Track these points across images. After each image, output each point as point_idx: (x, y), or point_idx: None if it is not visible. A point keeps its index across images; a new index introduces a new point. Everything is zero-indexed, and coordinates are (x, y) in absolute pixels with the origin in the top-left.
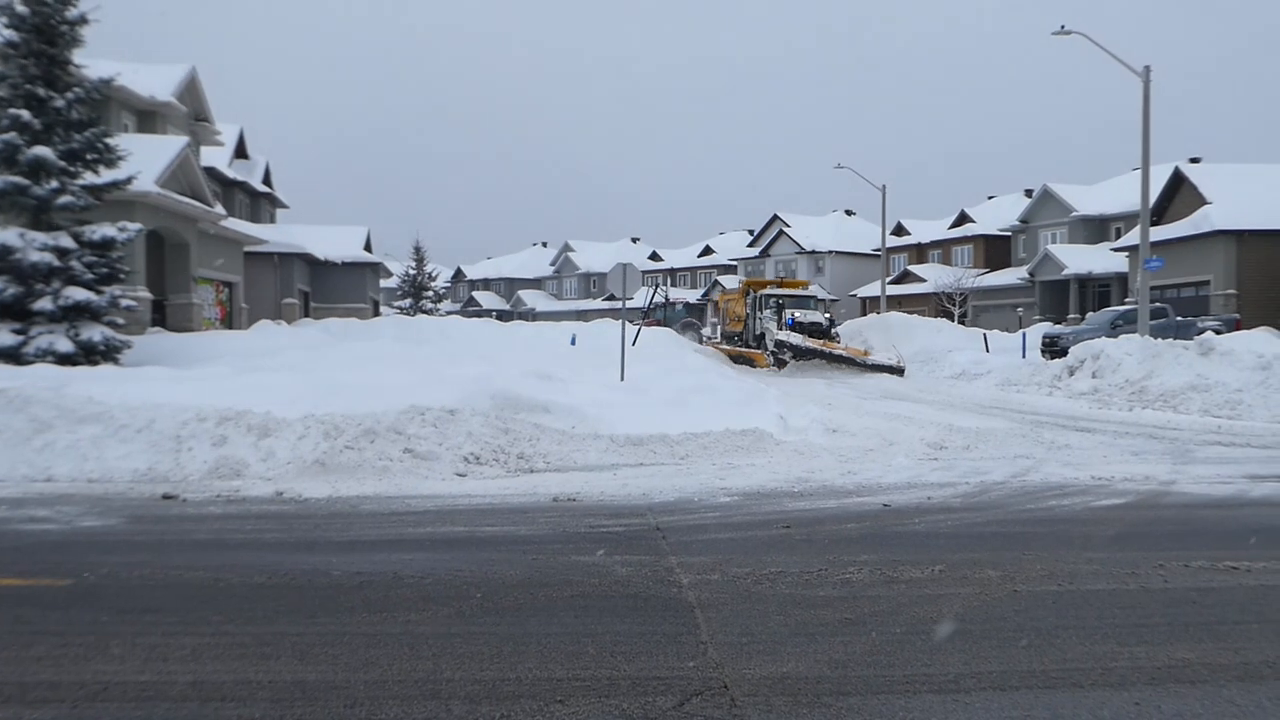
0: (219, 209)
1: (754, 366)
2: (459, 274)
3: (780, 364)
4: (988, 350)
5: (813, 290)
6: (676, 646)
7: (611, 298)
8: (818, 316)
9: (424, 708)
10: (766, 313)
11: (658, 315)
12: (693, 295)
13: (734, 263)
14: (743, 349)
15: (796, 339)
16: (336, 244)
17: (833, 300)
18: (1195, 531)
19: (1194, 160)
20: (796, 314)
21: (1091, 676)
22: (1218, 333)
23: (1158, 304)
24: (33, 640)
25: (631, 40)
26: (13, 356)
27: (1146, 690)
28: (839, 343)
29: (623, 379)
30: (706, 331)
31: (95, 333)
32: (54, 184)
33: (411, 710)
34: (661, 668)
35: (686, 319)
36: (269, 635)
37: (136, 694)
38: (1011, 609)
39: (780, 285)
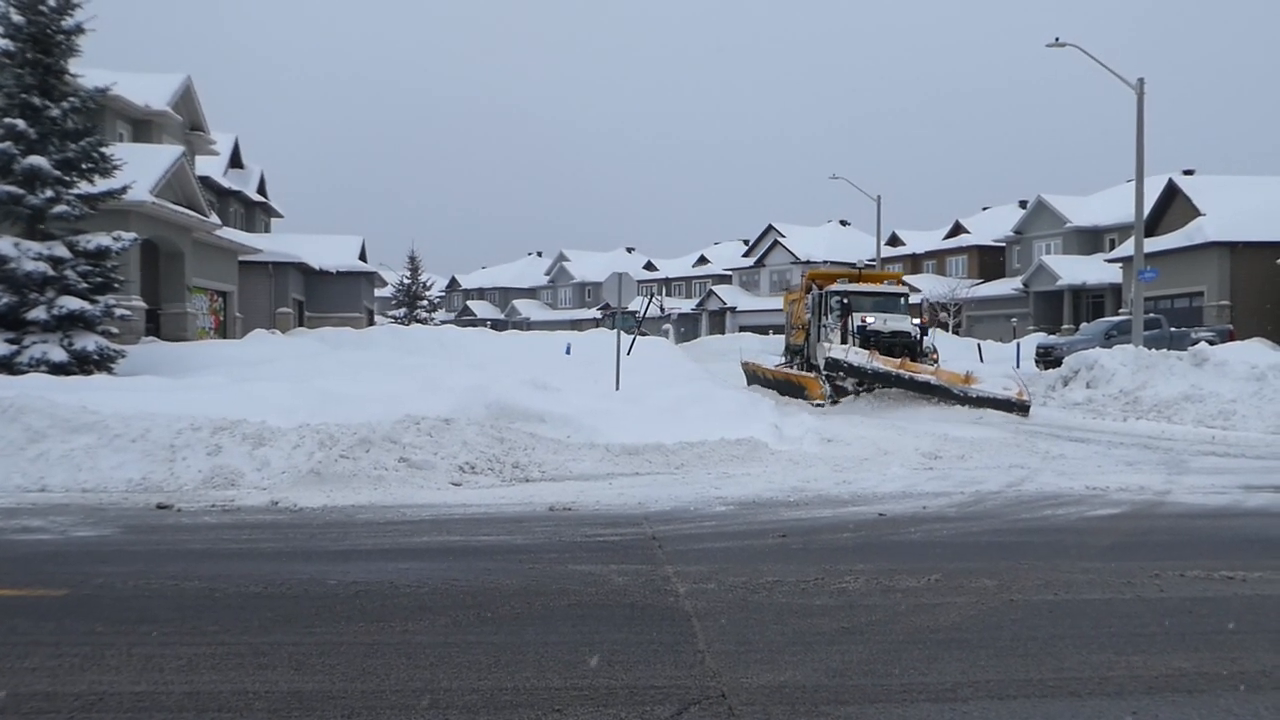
0: (214, 218)
1: (805, 397)
2: (454, 283)
3: (839, 393)
4: (982, 360)
5: (904, 287)
6: (674, 656)
7: (606, 307)
8: (903, 323)
9: (421, 717)
10: (830, 318)
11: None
12: (687, 305)
13: (729, 272)
14: (792, 371)
15: (858, 357)
16: (331, 253)
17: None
18: (1190, 541)
19: (1188, 172)
20: (869, 319)
21: (1089, 686)
22: (1211, 343)
23: (1152, 315)
24: (28, 651)
25: (626, 49)
26: (6, 366)
27: (1144, 699)
28: (932, 362)
29: (618, 388)
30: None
31: (89, 342)
32: (49, 193)
33: None
34: (659, 677)
35: (639, 330)
36: (265, 645)
37: (132, 704)
38: (1008, 618)
39: (857, 278)
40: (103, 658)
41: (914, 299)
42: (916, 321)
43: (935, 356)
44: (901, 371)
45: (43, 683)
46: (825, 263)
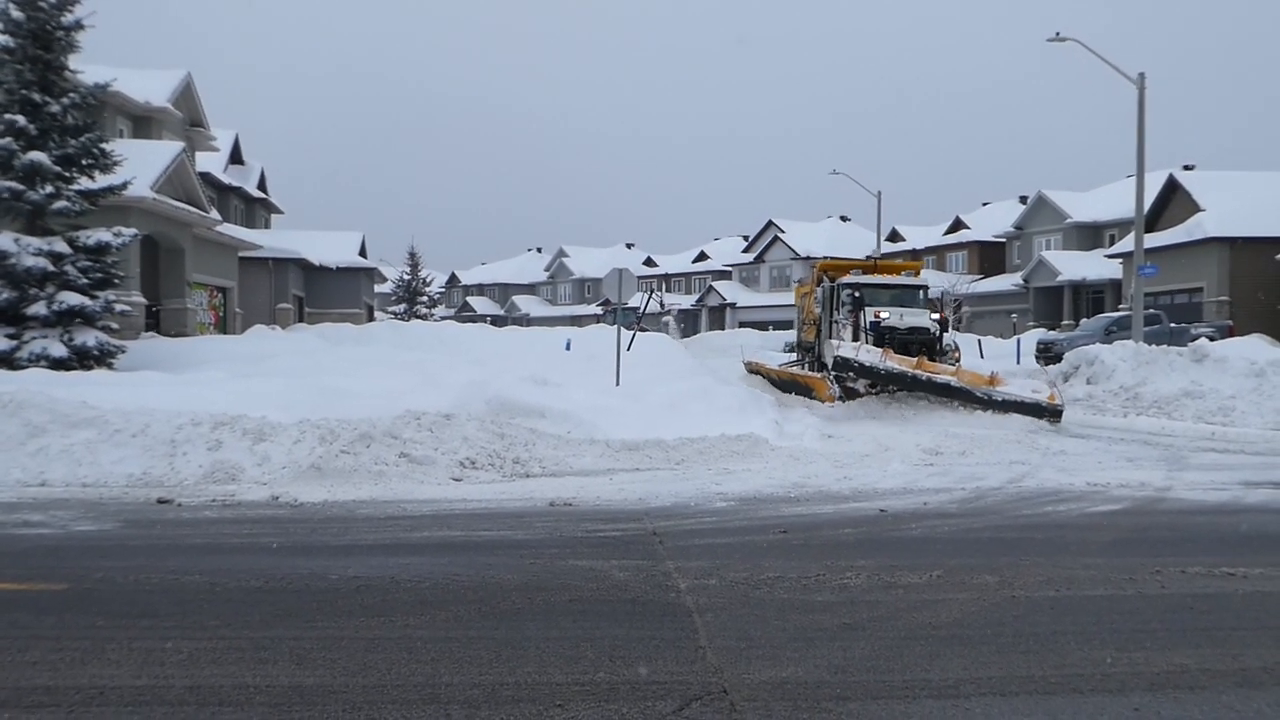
0: (214, 214)
1: (814, 398)
2: (453, 279)
3: (849, 395)
4: (982, 356)
5: (924, 278)
6: (675, 651)
7: (606, 303)
8: (921, 318)
9: (422, 712)
10: (841, 313)
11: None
12: (687, 301)
13: (729, 268)
14: (798, 371)
15: (869, 355)
16: (331, 249)
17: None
18: (1191, 537)
19: (1188, 167)
20: (883, 314)
21: (1090, 682)
22: (1211, 339)
23: (1152, 310)
24: (28, 645)
25: (625, 44)
26: (6, 361)
27: (1145, 696)
28: (953, 361)
29: (618, 384)
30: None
31: (89, 337)
32: (49, 189)
33: (410, 714)
34: (660, 672)
35: (639, 325)
36: (266, 640)
37: (133, 699)
38: (1010, 614)
39: (873, 269)
40: (103, 652)
41: (933, 292)
42: (935, 316)
43: (957, 355)
44: (918, 372)
45: (43, 677)
46: (824, 259)
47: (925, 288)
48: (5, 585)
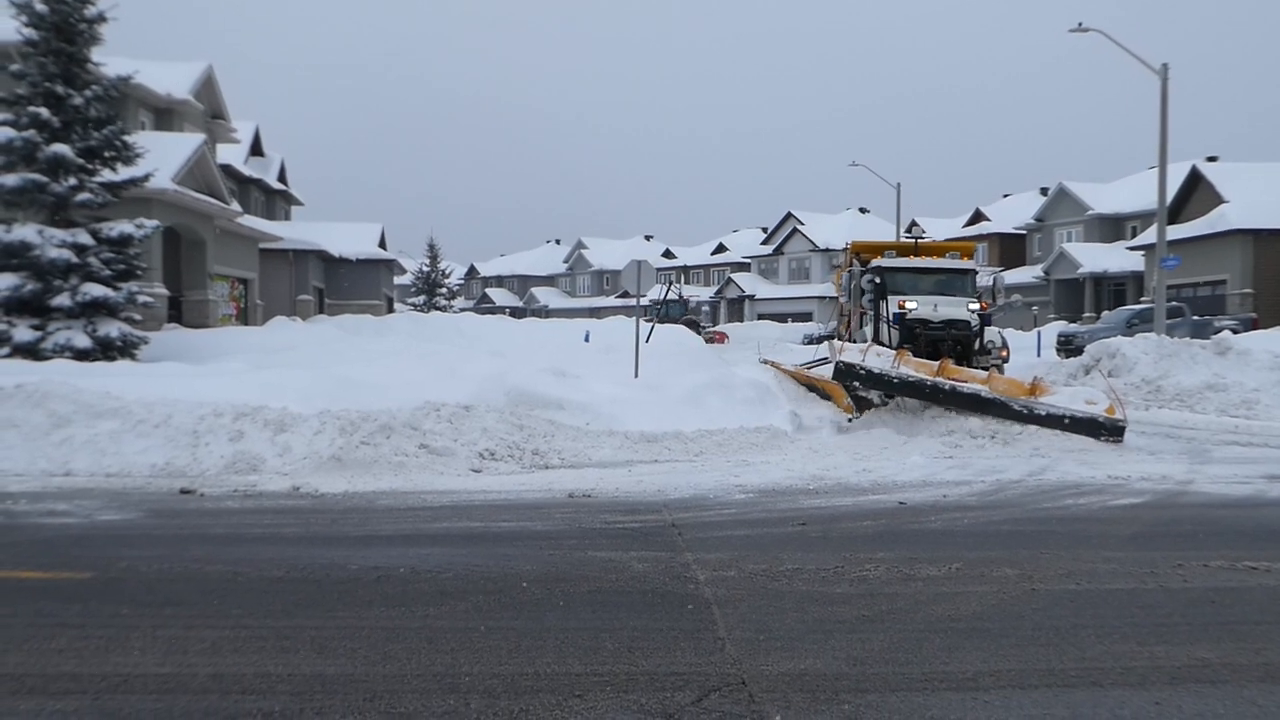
0: (235, 206)
1: (833, 402)
2: (473, 271)
3: (860, 405)
4: None
5: (970, 262)
6: (694, 642)
7: (625, 295)
8: (957, 309)
9: (442, 701)
10: (866, 299)
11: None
12: (706, 293)
13: (747, 260)
14: (815, 374)
15: (877, 360)
16: (351, 241)
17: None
18: (1213, 531)
19: (1211, 159)
20: (909, 303)
21: (1111, 676)
22: (1234, 332)
23: (1174, 303)
24: (54, 633)
25: (643, 36)
26: (31, 352)
27: (1167, 690)
28: (997, 361)
29: (637, 376)
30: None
31: (112, 328)
32: (72, 181)
33: (430, 704)
34: (679, 663)
35: (685, 319)
36: (288, 629)
37: (157, 686)
38: (1029, 607)
39: (911, 249)
40: (128, 640)
41: (982, 279)
42: (974, 307)
43: (1004, 354)
44: (939, 380)
45: (69, 664)
46: (845, 250)
47: (972, 273)
48: (31, 574)
